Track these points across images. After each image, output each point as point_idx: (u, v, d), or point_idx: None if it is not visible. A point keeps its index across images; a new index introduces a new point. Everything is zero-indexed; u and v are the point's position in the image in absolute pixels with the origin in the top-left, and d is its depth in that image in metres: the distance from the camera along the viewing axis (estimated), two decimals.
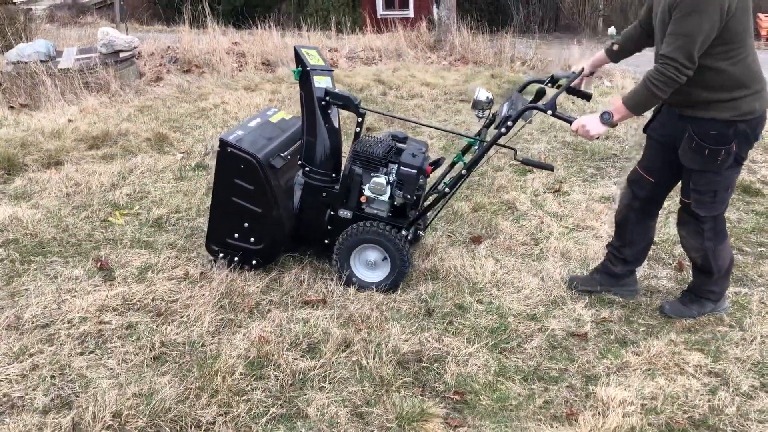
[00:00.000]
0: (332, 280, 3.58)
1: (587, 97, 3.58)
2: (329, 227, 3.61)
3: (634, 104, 2.89)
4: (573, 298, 3.56)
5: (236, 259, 3.56)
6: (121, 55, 8.30)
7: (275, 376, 2.77)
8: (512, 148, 3.38)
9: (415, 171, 3.43)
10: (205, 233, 3.66)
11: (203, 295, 3.33)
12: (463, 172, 3.45)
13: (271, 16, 11.10)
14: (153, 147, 5.76)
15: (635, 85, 2.94)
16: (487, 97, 3.52)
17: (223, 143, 3.36)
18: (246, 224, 3.47)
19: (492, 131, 3.49)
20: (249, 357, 2.86)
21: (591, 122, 2.96)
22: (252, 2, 20.21)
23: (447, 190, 3.50)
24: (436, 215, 3.82)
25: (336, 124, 3.60)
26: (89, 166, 5.21)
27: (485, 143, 3.40)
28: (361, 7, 19.50)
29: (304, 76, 3.49)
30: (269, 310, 3.27)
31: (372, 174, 3.47)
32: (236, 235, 3.51)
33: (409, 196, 3.45)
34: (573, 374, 2.93)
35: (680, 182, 3.22)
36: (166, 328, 3.07)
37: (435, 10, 12.52)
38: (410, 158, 3.49)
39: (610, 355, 3.05)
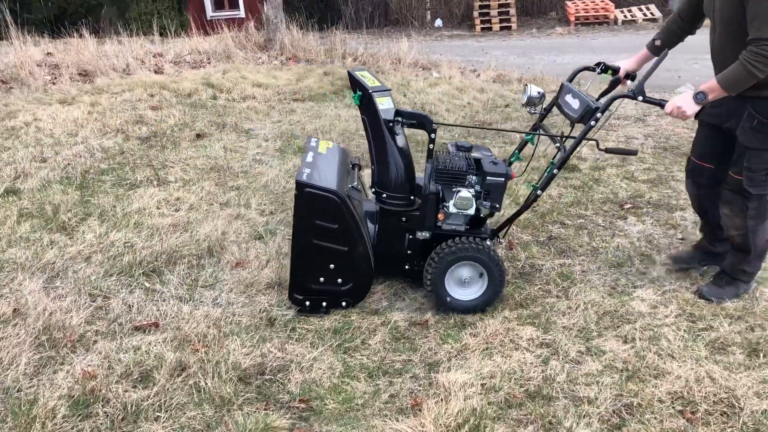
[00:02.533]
0: (164, 301, 3.39)
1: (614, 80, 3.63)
2: (408, 252, 3.44)
3: (730, 84, 2.96)
4: (413, 287, 3.62)
5: (324, 304, 3.32)
6: None
7: (104, 412, 2.56)
8: (595, 140, 3.22)
9: (503, 179, 3.34)
10: (287, 283, 3.34)
11: (17, 334, 3.01)
12: (555, 171, 3.31)
13: (88, 24, 10.36)
14: None
15: (730, 67, 2.96)
16: (539, 92, 3.52)
17: (300, 184, 3.05)
18: (332, 266, 3.22)
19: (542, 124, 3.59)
20: (73, 396, 2.62)
21: (685, 102, 3.04)
22: (68, 10, 18.86)
23: (539, 192, 3.37)
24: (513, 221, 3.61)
25: (405, 145, 3.37)
26: None
27: (575, 138, 3.25)
28: (188, 10, 18.80)
29: (366, 99, 3.30)
30: (95, 342, 3.02)
31: (454, 189, 3.31)
32: (321, 279, 3.25)
33: (498, 206, 3.37)
34: (416, 364, 2.97)
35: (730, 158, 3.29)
36: None
37: (265, 9, 12.42)
38: (494, 167, 3.36)
39: (450, 340, 3.13)
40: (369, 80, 3.36)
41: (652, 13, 18.78)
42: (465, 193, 3.28)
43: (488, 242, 3.34)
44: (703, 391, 2.69)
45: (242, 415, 2.57)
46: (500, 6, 19.11)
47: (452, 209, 3.30)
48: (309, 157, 3.35)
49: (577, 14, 18.68)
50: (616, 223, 4.47)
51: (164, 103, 7.12)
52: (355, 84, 3.39)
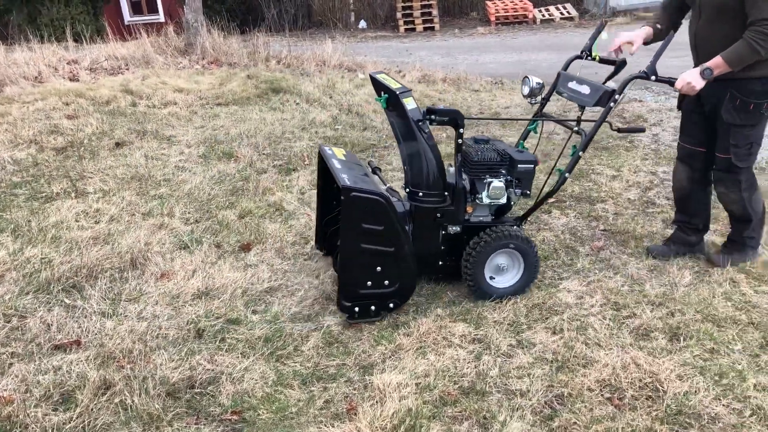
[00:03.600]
0: (86, 317, 3.25)
1: (619, 63, 3.69)
2: (442, 248, 3.49)
3: (734, 61, 3.23)
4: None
5: (372, 308, 3.29)
6: None
7: None
8: (608, 122, 3.47)
9: (533, 165, 3.49)
10: (336, 293, 3.31)
11: None
12: (580, 153, 3.49)
13: None
14: None
15: (733, 46, 3.22)
16: (539, 83, 3.67)
17: (347, 190, 3.01)
18: (378, 268, 3.21)
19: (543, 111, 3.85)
20: None
21: (693, 78, 3.28)
22: None
23: (566, 175, 3.52)
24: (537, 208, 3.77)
25: (433, 142, 3.32)
26: None
27: (595, 122, 3.47)
28: (104, 15, 18.17)
29: (393, 101, 3.26)
30: (11, 365, 2.86)
31: (486, 180, 3.42)
32: (369, 283, 3.23)
33: (528, 192, 3.52)
34: (351, 367, 2.95)
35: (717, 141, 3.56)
36: None
37: (184, 13, 12.11)
38: (521, 155, 3.51)
39: (384, 341, 3.12)
40: (391, 82, 3.36)
41: (568, 12, 19.37)
42: (498, 182, 3.40)
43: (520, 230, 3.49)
44: (629, 378, 2.78)
45: (172, 431, 2.49)
46: (422, 7, 19.31)
47: (485, 200, 3.43)
48: (336, 164, 3.35)
49: (497, 14, 19.08)
50: (541, 217, 4.57)
51: (80, 111, 6.84)
52: (379, 87, 3.39)
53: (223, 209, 4.63)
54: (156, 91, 7.88)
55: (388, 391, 2.70)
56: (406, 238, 3.23)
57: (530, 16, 19.11)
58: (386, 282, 3.25)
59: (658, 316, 3.27)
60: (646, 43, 3.73)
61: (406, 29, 19.11)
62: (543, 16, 19.18)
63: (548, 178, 4.01)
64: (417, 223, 3.40)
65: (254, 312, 3.39)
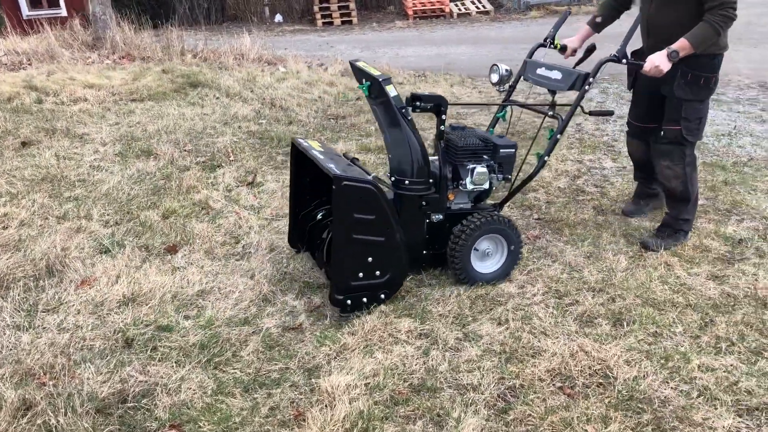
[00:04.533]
0: None
1: (588, 48, 3.79)
2: (426, 236, 3.44)
3: (699, 42, 3.37)
4: (283, 290, 3.44)
5: (364, 300, 3.19)
6: None
7: None
8: (580, 105, 3.57)
9: (514, 150, 3.51)
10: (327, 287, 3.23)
11: None
12: (558, 136, 3.53)
13: None
14: None
15: (696, 29, 3.36)
16: (507, 70, 3.69)
17: (338, 179, 2.93)
18: (369, 259, 3.12)
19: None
20: None
21: (661, 60, 3.38)
22: None
23: (546, 158, 3.53)
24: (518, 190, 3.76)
25: (415, 129, 3.23)
26: None
27: (570, 105, 3.56)
28: (2, 7, 17.05)
29: (375, 88, 3.17)
30: None
31: (469, 166, 3.40)
32: (360, 274, 3.13)
33: (510, 177, 3.53)
34: (295, 371, 2.80)
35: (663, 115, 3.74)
36: None
37: (91, 6, 11.46)
38: (502, 140, 3.52)
39: (328, 342, 2.99)
40: (372, 69, 3.26)
41: (484, 6, 19.67)
42: (481, 168, 3.39)
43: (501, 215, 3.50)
44: (578, 366, 2.76)
45: None
46: (340, 0, 19.14)
47: (469, 186, 3.41)
48: (318, 155, 3.26)
49: (415, 8, 19.15)
50: None
51: None
52: (360, 74, 3.29)
53: (144, 210, 4.37)
54: (64, 87, 7.41)
55: (337, 394, 2.58)
56: (396, 227, 3.15)
57: (447, 10, 19.28)
58: (377, 272, 3.16)
59: (600, 302, 3.28)
60: (587, 37, 4.04)
61: (323, 23, 18.89)
62: (459, 10, 19.39)
63: (522, 164, 4.06)
64: (402, 211, 3.33)
65: (186, 317, 3.19)
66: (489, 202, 3.76)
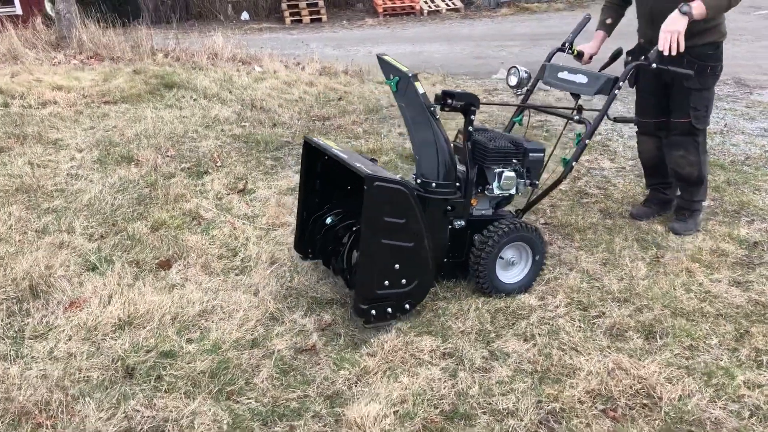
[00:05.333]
0: None
1: (615, 53, 3.74)
2: (448, 243, 3.24)
3: (713, 8, 3.36)
4: (290, 307, 3.22)
5: (389, 310, 2.97)
6: None
7: None
8: (606, 115, 3.44)
9: (543, 154, 3.34)
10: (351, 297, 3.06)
11: None
12: (587, 141, 3.37)
13: None
14: None
15: None
16: (526, 72, 3.56)
17: (371, 179, 2.72)
18: (397, 266, 2.91)
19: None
20: None
21: (674, 22, 3.30)
22: None
23: (573, 163, 3.38)
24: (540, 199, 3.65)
25: (443, 128, 3.04)
26: None
27: (599, 111, 3.41)
28: None
29: (404, 84, 2.99)
30: None
31: (496, 170, 3.25)
32: (386, 282, 2.92)
33: (537, 182, 3.37)
34: (315, 399, 2.59)
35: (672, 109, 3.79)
36: None
37: (48, 4, 10.94)
38: (531, 143, 3.36)
39: (347, 364, 2.78)
40: (399, 64, 3.06)
41: (454, 3, 19.57)
42: (509, 172, 3.25)
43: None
44: (619, 385, 2.60)
45: None
46: None
47: (496, 191, 3.27)
48: (341, 154, 3.06)
49: (385, 5, 18.94)
50: None
51: None
52: (388, 68, 3.09)
53: (131, 221, 4.09)
54: (30, 89, 7.02)
55: (367, 425, 2.38)
56: (426, 232, 2.96)
57: (417, 7, 19.12)
58: (404, 281, 2.96)
59: (627, 314, 3.14)
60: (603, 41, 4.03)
61: (292, 21, 18.56)
62: (429, 7, 19.25)
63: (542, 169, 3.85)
64: (427, 216, 3.11)
65: (189, 341, 2.94)
66: (508, 208, 3.59)
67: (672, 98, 3.79)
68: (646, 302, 3.23)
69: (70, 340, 2.91)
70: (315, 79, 8.64)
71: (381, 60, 3.15)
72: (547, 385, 2.65)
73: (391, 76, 3.09)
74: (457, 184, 3.19)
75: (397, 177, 2.92)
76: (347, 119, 6.69)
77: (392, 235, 2.88)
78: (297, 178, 4.87)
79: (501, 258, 3.27)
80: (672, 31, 3.30)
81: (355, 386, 2.66)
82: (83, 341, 2.90)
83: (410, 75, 2.97)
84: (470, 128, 3.17)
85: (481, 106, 3.19)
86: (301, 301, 3.29)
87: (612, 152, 5.67)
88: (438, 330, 3.03)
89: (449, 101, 3.06)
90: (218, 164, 5.13)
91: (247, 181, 4.76)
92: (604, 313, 3.15)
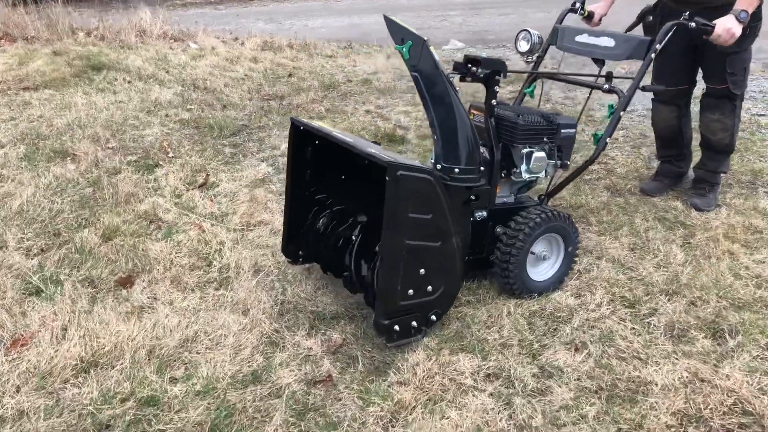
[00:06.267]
0: None
1: (643, 12, 3.61)
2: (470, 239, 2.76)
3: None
4: (289, 327, 2.68)
5: (414, 324, 2.48)
6: None
7: None
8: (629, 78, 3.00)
9: (575, 129, 2.93)
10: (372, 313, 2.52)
11: None
12: (621, 113, 2.90)
13: None
14: None
15: None
16: (539, 37, 3.09)
17: (394, 167, 2.23)
18: (422, 270, 2.42)
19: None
20: None
21: (733, 24, 2.96)
22: None
23: (607, 139, 2.93)
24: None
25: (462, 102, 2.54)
26: None
27: (634, 77, 2.94)
28: None
29: (417, 49, 2.47)
30: None
31: (524, 150, 2.80)
32: (411, 291, 2.42)
33: (568, 163, 2.96)
34: None
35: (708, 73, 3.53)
36: None
37: None
38: (562, 118, 2.90)
39: (376, 398, 2.27)
40: (411, 27, 2.52)
41: None
42: (539, 152, 2.82)
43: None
44: (705, 401, 2.20)
45: None
46: None
47: (525, 175, 2.82)
48: (346, 137, 2.58)
49: None
50: None
51: None
52: (399, 31, 2.55)
53: (77, 230, 3.43)
54: None
55: None
56: (452, 228, 2.46)
57: None
58: (429, 287, 2.48)
59: (682, 309, 2.74)
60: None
61: None
62: None
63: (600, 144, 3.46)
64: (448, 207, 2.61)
65: (174, 381, 2.37)
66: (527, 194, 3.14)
67: (705, 63, 3.51)
68: (698, 294, 2.84)
69: (18, 392, 2.29)
70: (258, 54, 7.96)
71: (389, 21, 2.60)
72: (620, 406, 2.22)
73: (403, 41, 2.55)
74: (482, 168, 2.71)
75: (422, 165, 2.41)
76: (304, 97, 6.08)
77: (417, 234, 2.38)
78: (263, 167, 4.30)
79: (532, 253, 2.81)
80: (726, 32, 2.99)
81: (392, 427, 2.16)
82: (36, 392, 2.28)
83: (425, 39, 2.46)
84: (494, 101, 2.69)
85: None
86: (301, 318, 2.76)
87: (598, 122, 5.31)
88: (473, 344, 2.56)
89: (473, 69, 2.57)
90: (170, 155, 4.47)
91: (208, 174, 4.13)
92: (656, 310, 2.75)
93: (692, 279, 2.96)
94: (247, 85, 6.55)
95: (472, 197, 2.67)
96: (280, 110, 5.63)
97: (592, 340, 2.57)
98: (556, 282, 2.92)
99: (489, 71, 2.59)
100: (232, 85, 6.52)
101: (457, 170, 2.60)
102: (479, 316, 2.73)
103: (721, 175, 3.79)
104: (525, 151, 2.80)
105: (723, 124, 3.58)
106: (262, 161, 4.44)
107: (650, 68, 3.37)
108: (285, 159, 4.45)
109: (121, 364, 2.43)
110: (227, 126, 5.07)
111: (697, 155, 3.91)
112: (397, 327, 2.44)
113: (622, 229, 3.46)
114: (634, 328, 2.63)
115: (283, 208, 3.72)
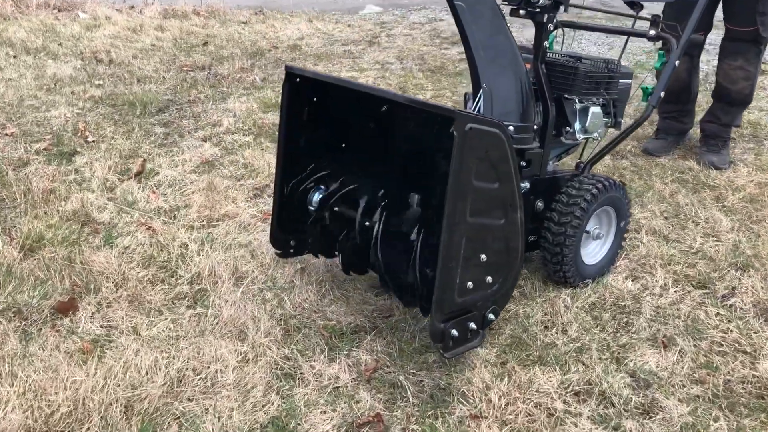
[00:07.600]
0: None
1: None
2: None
3: None
4: (302, 351, 2.07)
5: (472, 326, 1.89)
6: None
7: None
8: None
9: (632, 80, 2.47)
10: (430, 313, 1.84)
11: None
12: (676, 63, 2.41)
13: None
14: None
15: None
16: None
17: (464, 117, 1.68)
18: (483, 256, 1.87)
19: None
20: None
21: None
22: None
23: (661, 94, 2.39)
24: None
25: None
26: None
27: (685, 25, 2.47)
28: None
29: None
30: None
31: (577, 106, 2.31)
32: (470, 283, 1.85)
33: (621, 120, 2.47)
34: None
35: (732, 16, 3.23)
36: None
37: None
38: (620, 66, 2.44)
39: None
40: None
41: None
42: (596, 108, 2.35)
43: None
44: None
45: None
46: None
47: (579, 135, 2.34)
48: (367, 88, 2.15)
49: None
50: None
51: None
52: None
53: None
54: None
55: None
56: (518, 201, 1.91)
57: None
58: (489, 278, 1.93)
59: (763, 286, 2.35)
60: None
61: None
62: None
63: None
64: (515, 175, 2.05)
65: None
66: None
67: (731, 3, 3.17)
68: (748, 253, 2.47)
69: None
70: (162, 23, 7.01)
71: None
72: (750, 417, 1.79)
73: None
74: (535, 127, 2.19)
75: (494, 119, 1.87)
76: (230, 67, 5.31)
77: (481, 209, 1.84)
78: (208, 147, 3.60)
79: (585, 232, 2.33)
80: None
81: None
82: None
83: None
84: (545, 43, 2.19)
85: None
86: (313, 337, 2.15)
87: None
88: (542, 352, 2.05)
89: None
90: (89, 139, 3.65)
91: (144, 160, 3.37)
92: (734, 289, 2.35)
93: (756, 249, 2.58)
94: (158, 56, 5.68)
95: (523, 163, 2.15)
96: (212, 82, 4.85)
97: (677, 333, 2.13)
98: (608, 264, 2.46)
99: (550, 2, 2.05)
100: (141, 56, 5.63)
101: (511, 128, 2.04)
102: (533, 314, 2.23)
103: (732, 129, 3.49)
104: (579, 106, 2.30)
105: (746, 72, 3.26)
106: (204, 141, 3.71)
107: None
108: (230, 138, 3.78)
109: (89, 426, 1.74)
110: (151, 102, 4.26)
111: (700, 110, 3.59)
112: (454, 331, 1.87)
113: (645, 197, 3.05)
114: (719, 314, 2.22)
115: (256, 195, 3.10)
